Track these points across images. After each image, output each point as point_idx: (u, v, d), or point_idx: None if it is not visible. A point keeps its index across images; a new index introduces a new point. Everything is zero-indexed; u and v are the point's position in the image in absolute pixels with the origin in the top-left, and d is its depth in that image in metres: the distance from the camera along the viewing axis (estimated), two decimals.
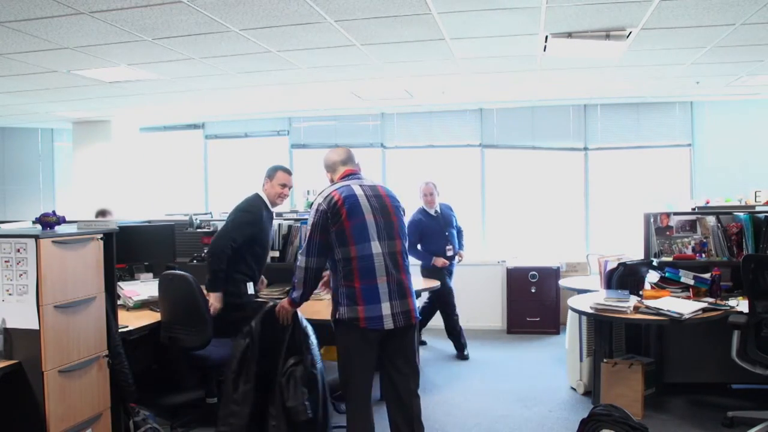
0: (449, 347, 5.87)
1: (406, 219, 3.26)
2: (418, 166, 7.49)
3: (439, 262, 5.49)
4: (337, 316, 2.87)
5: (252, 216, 3.76)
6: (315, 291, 3.09)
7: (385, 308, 2.82)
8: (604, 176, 7.13)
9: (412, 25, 3.77)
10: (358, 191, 2.92)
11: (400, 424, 2.98)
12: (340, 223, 2.83)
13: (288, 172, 3.95)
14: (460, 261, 5.70)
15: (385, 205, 2.96)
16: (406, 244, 3.05)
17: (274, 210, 4.06)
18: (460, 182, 7.39)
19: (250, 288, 3.75)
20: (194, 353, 3.70)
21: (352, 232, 2.83)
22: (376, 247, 2.84)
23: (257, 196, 3.89)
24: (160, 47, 4.12)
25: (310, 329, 3.17)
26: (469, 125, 7.32)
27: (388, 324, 2.82)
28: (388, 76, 5.27)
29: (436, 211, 5.60)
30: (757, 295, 3.42)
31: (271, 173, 3.90)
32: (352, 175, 3.06)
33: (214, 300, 3.64)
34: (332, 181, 3.09)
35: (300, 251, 2.95)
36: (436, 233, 5.55)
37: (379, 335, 2.86)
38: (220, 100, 6.42)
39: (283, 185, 3.89)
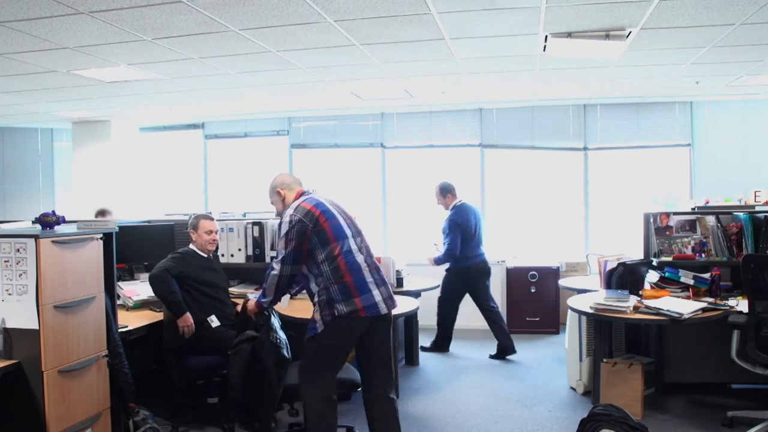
0: (449, 346, 5.87)
1: None
2: (418, 166, 7.50)
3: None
4: (336, 314, 2.96)
5: (180, 256, 3.92)
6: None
7: (377, 295, 3.04)
8: (604, 176, 7.13)
9: (412, 25, 3.77)
10: (321, 200, 3.15)
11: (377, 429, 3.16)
12: (319, 225, 3.03)
13: (209, 218, 4.07)
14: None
15: (343, 209, 3.22)
16: None
17: (212, 254, 4.15)
18: (459, 182, 7.38)
19: (213, 321, 3.85)
20: (185, 358, 3.77)
21: (332, 231, 3.04)
22: (353, 243, 3.09)
23: (188, 249, 4.02)
24: (160, 47, 4.12)
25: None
26: (468, 125, 7.32)
27: (383, 309, 3.05)
28: (388, 76, 5.27)
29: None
30: (757, 294, 3.42)
31: (195, 224, 4.01)
32: (307, 192, 3.26)
33: (182, 323, 3.69)
34: (284, 200, 3.26)
35: (275, 260, 3.10)
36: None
37: (371, 320, 3.04)
38: (220, 100, 6.42)
39: (209, 232, 4.01)
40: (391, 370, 3.23)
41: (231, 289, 4.34)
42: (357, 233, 3.15)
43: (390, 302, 3.13)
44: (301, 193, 3.23)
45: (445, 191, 5.63)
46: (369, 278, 3.04)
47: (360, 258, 3.06)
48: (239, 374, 3.36)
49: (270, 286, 3.12)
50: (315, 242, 3.02)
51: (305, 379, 3.06)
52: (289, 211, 3.07)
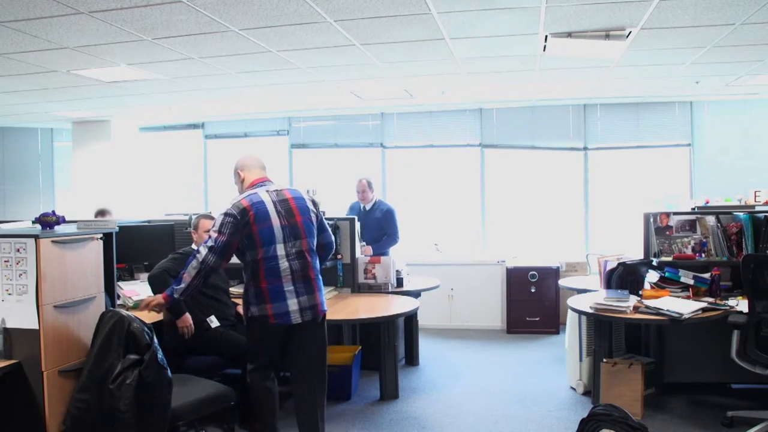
0: (449, 347, 5.88)
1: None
2: (418, 166, 7.50)
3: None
4: (249, 315, 3.08)
5: (181, 256, 3.92)
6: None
7: (292, 304, 3.04)
8: (604, 176, 7.14)
9: (412, 25, 3.77)
10: (266, 197, 3.10)
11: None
12: (249, 227, 3.01)
13: (210, 218, 4.07)
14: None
15: (290, 208, 3.14)
16: (314, 242, 3.23)
17: None
18: (459, 182, 7.40)
19: (213, 321, 3.87)
20: (185, 358, 3.77)
21: (260, 236, 3.03)
22: (281, 249, 3.05)
23: (190, 249, 4.03)
24: (160, 47, 4.12)
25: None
26: (468, 125, 7.32)
27: (296, 319, 3.06)
28: (387, 76, 5.27)
29: (364, 208, 5.82)
30: (757, 294, 3.42)
31: (196, 224, 4.06)
32: (263, 183, 3.20)
33: (181, 324, 3.70)
34: (242, 182, 3.24)
35: (204, 243, 3.03)
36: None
37: (287, 327, 3.09)
38: (220, 100, 6.42)
39: (207, 231, 3.97)
40: (313, 385, 3.19)
41: (231, 290, 4.34)
42: (292, 236, 3.09)
43: (308, 313, 3.09)
44: (257, 183, 3.18)
45: (373, 187, 5.87)
46: (288, 287, 3.04)
47: (284, 264, 3.04)
48: (130, 409, 2.68)
49: (189, 271, 3.00)
50: (244, 242, 3.05)
51: (251, 365, 3.16)
52: (228, 205, 3.06)
